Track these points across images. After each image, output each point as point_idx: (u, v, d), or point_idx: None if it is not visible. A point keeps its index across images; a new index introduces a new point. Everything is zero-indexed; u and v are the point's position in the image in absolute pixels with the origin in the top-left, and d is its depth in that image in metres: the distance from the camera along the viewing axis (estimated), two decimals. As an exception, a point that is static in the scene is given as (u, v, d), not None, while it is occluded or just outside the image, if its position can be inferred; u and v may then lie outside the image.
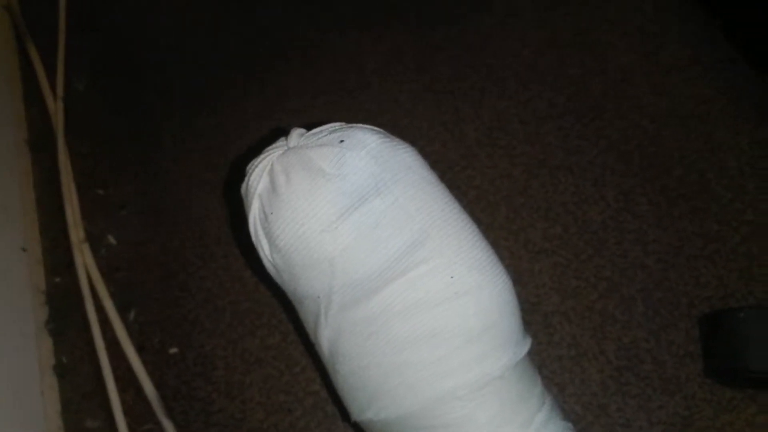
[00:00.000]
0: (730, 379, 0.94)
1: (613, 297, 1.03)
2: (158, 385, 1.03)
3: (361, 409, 0.73)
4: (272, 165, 0.70)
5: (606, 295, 1.04)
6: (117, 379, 1.03)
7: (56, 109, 1.28)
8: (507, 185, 1.14)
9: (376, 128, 0.71)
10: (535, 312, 1.03)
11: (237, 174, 1.20)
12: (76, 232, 1.14)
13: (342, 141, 0.67)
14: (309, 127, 0.75)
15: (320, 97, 1.28)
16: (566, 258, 1.07)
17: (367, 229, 0.66)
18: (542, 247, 1.08)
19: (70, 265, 1.13)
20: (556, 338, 1.01)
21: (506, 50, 1.28)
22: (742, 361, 0.88)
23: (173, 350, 1.06)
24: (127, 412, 1.01)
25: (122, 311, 1.09)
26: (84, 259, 1.12)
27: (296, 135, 0.72)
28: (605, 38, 1.27)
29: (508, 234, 1.10)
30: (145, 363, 1.04)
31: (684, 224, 1.08)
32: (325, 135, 0.70)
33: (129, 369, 1.04)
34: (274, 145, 0.73)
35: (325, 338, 0.71)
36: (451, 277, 0.67)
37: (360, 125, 0.71)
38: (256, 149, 0.77)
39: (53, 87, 1.31)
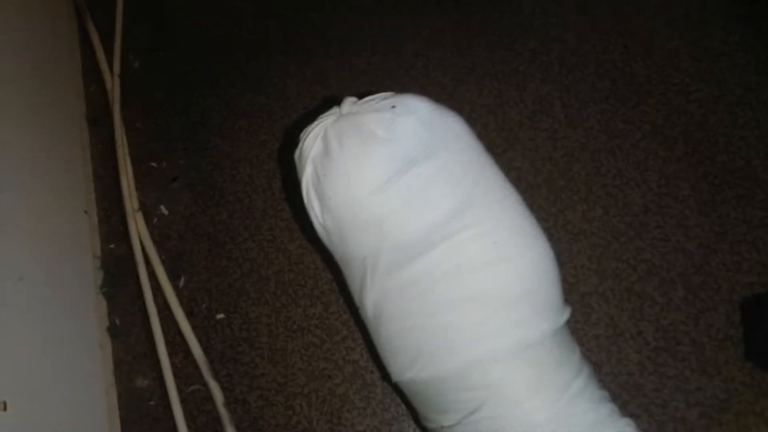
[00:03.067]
0: (770, 363, 0.93)
1: (653, 280, 1.04)
2: (205, 349, 1.08)
3: (402, 369, 0.75)
4: (326, 131, 0.73)
5: (645, 278, 1.04)
6: (167, 341, 1.08)
7: (113, 85, 1.34)
8: (548, 168, 1.15)
9: (425, 97, 0.73)
10: (573, 292, 1.04)
11: (285, 147, 1.25)
12: (131, 202, 1.20)
13: (394, 107, 0.70)
14: (358, 98, 0.78)
15: (361, 79, 1.31)
16: (606, 240, 1.08)
17: (415, 193, 0.68)
18: (581, 229, 1.09)
19: (125, 233, 1.18)
20: (594, 318, 1.02)
21: (548, 35, 1.29)
22: (784, 344, 0.88)
23: (220, 316, 1.10)
24: (175, 373, 1.06)
25: (173, 278, 1.14)
26: (137, 227, 1.17)
27: (349, 102, 0.74)
28: (649, 24, 1.26)
29: (548, 215, 1.11)
30: (194, 327, 1.09)
31: (727, 210, 1.07)
32: (377, 102, 0.73)
33: (178, 332, 1.09)
34: (327, 113, 0.75)
35: (371, 300, 0.74)
36: (495, 243, 0.68)
37: (410, 94, 0.73)
38: (301, 125, 0.79)
39: (111, 65, 1.37)
